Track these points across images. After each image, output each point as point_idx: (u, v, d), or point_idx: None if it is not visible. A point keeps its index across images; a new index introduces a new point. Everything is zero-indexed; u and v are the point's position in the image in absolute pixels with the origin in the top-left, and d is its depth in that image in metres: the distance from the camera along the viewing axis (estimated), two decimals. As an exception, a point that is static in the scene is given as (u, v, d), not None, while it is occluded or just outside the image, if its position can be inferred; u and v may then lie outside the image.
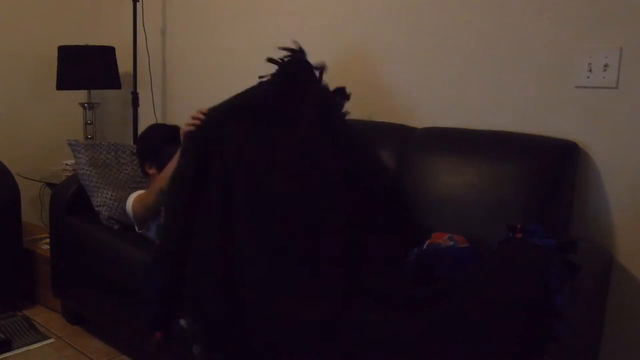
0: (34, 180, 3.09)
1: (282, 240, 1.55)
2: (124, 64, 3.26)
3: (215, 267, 1.52)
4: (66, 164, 3.02)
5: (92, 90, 3.23)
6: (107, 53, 3.14)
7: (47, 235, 2.76)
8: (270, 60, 1.95)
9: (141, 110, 3.21)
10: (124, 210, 2.20)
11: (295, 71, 1.93)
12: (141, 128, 3.22)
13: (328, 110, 1.91)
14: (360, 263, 1.54)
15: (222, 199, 1.59)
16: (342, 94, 1.98)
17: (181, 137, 1.86)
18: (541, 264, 1.19)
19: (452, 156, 1.91)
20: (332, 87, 2.44)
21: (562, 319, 1.12)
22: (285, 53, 1.99)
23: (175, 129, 2.22)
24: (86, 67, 3.05)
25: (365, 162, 1.87)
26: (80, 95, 3.26)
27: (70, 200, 2.39)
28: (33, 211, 3.33)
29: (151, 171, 2.23)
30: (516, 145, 1.82)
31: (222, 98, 2.90)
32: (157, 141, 2.22)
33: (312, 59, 2.52)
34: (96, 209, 2.28)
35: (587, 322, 1.68)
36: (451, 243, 1.58)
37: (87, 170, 2.31)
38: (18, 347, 2.28)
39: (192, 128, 1.80)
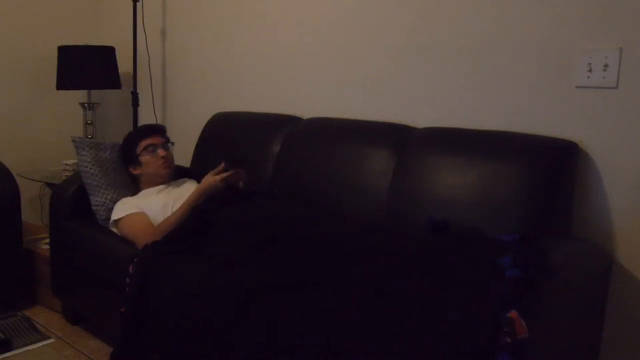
0: (34, 180, 3.09)
1: None
2: (124, 64, 3.26)
3: None
4: (66, 164, 3.02)
5: (92, 90, 3.23)
6: (107, 53, 3.14)
7: (47, 235, 2.76)
8: None
9: (141, 110, 3.21)
10: None
11: None
12: (141, 128, 3.23)
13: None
14: None
15: None
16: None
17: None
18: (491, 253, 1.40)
19: (452, 156, 1.91)
20: (328, 87, 2.45)
21: (509, 285, 1.25)
22: None
23: (156, 127, 2.38)
24: (86, 67, 3.05)
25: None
26: (80, 95, 3.26)
27: (70, 201, 2.39)
28: (33, 211, 3.33)
29: (135, 172, 2.30)
30: (516, 145, 1.82)
31: (222, 98, 2.92)
32: (135, 142, 2.29)
33: (310, 58, 2.53)
34: (94, 208, 2.28)
35: (587, 322, 1.68)
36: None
37: (90, 168, 2.30)
38: (18, 347, 2.28)
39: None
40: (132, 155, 2.28)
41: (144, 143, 2.26)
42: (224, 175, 2.05)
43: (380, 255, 1.57)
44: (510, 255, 1.33)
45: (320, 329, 1.34)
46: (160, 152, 2.26)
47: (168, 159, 2.29)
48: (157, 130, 2.35)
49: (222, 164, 2.07)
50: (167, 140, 2.36)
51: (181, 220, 1.99)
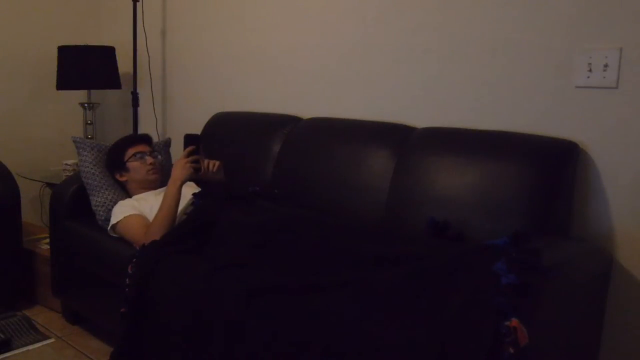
0: (34, 180, 3.09)
1: None
2: (124, 64, 3.26)
3: None
4: (66, 164, 3.02)
5: (92, 90, 3.23)
6: (107, 53, 3.14)
7: (47, 235, 2.77)
8: None
9: (141, 110, 3.21)
10: None
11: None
12: (141, 128, 3.24)
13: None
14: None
15: None
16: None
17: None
18: (486, 259, 1.36)
19: (452, 156, 1.91)
20: (328, 87, 2.45)
21: (506, 294, 1.23)
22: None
23: (144, 136, 2.43)
24: (86, 67, 3.05)
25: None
26: (80, 95, 3.26)
27: (70, 201, 2.39)
28: (33, 211, 3.33)
29: (122, 179, 2.32)
30: (516, 145, 1.82)
31: (222, 98, 2.92)
32: (122, 150, 2.31)
33: (310, 58, 2.53)
34: (94, 208, 2.29)
35: (587, 322, 1.68)
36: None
37: (91, 168, 2.32)
38: (18, 347, 2.28)
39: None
40: (119, 162, 2.30)
41: (131, 150, 2.29)
42: (191, 158, 2.06)
43: (381, 260, 1.57)
44: (504, 261, 1.31)
45: (320, 331, 1.34)
46: (149, 159, 2.28)
47: (156, 166, 2.30)
48: (145, 139, 2.38)
49: (190, 147, 2.07)
50: (154, 150, 2.38)
51: (169, 213, 1.99)
